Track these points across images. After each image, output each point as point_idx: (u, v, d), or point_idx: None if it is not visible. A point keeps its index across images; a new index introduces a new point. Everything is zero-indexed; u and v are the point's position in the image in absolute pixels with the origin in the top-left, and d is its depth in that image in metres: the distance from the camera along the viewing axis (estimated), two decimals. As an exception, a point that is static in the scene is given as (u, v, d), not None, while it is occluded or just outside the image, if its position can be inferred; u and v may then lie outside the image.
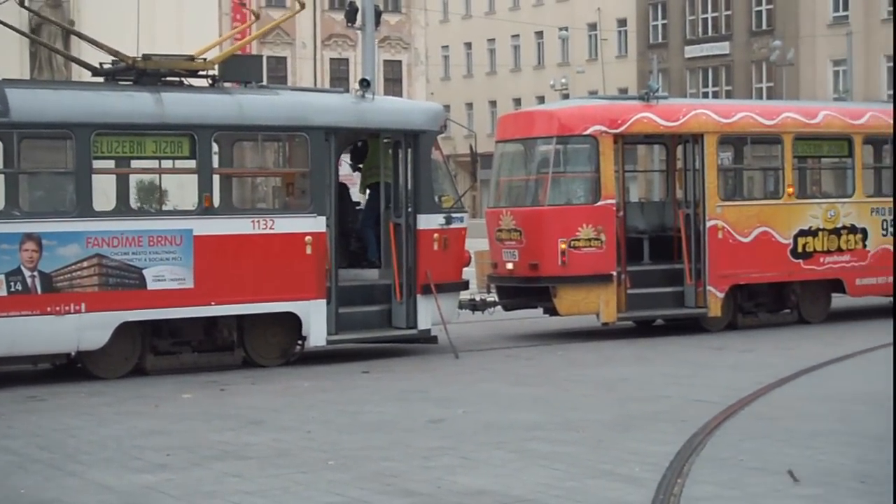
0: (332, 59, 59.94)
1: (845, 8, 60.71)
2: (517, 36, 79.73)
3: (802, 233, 20.67)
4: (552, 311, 19.78)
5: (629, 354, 18.17)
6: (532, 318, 21.31)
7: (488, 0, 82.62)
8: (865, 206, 21.34)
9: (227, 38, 25.23)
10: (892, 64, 59.03)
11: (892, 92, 55.68)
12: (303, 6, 20.00)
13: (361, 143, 19.17)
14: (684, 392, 14.30)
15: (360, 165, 19.27)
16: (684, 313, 20.21)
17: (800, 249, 20.66)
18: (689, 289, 19.96)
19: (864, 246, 21.24)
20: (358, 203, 19.68)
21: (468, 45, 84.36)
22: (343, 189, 18.50)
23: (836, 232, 20.97)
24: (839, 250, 21.01)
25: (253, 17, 28.06)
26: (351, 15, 26.88)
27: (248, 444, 11.41)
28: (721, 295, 19.97)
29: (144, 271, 15.51)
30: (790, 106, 22.70)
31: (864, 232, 21.24)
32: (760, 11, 65.00)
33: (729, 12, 66.37)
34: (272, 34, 53.22)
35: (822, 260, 20.87)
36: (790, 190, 20.74)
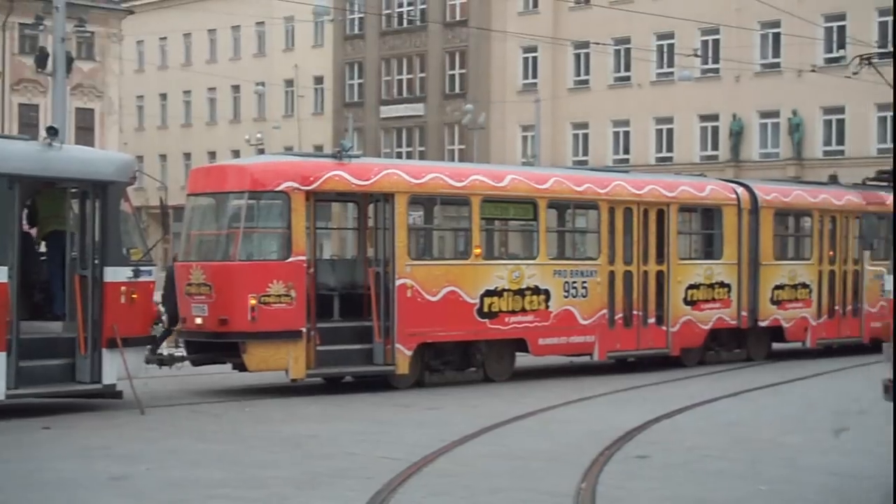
0: (21, 105, 58.16)
1: (534, 76, 62.90)
2: (213, 89, 79.15)
3: (489, 293, 21.15)
4: (241, 367, 19.61)
5: (317, 411, 18.18)
6: (221, 373, 21.08)
7: (184, 51, 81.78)
8: (549, 267, 22.03)
9: None
10: (575, 132, 61.70)
11: (656, 154, 58.28)
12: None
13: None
14: (371, 449, 14.39)
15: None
16: (373, 370, 20.36)
17: (486, 309, 21.14)
18: (378, 346, 20.12)
19: (547, 307, 21.90)
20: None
21: (163, 96, 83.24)
22: (28, 239, 17.92)
23: (521, 293, 21.56)
24: (523, 310, 21.59)
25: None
26: (41, 60, 26.25)
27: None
28: (409, 353, 20.22)
29: None
30: (479, 169, 23.34)
31: (548, 293, 21.91)
32: (454, 75, 66.62)
33: (423, 75, 67.75)
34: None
35: (507, 320, 21.41)
36: (477, 251, 21.23)
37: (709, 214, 25.08)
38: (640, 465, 13.58)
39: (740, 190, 25.41)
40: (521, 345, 21.93)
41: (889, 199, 27.45)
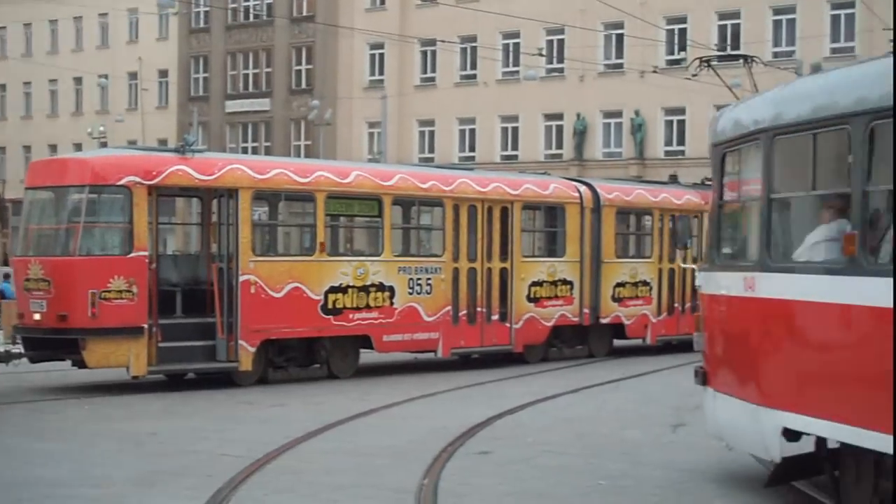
0: None
1: (381, 72, 62.91)
2: (55, 80, 77.53)
3: (333, 289, 21.13)
4: (81, 364, 19.28)
5: (159, 408, 17.94)
6: (60, 370, 20.69)
7: (25, 42, 79.95)
8: (394, 264, 22.08)
9: None
10: (421, 129, 61.88)
11: (501, 152, 59.09)
12: None
13: None
14: (213, 447, 14.25)
15: None
16: (216, 367, 20.19)
17: (330, 306, 21.11)
18: (221, 342, 19.96)
19: (392, 303, 21.95)
20: None
21: (2, 87, 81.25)
22: None
23: (366, 289, 21.57)
24: (368, 307, 21.62)
25: None
26: None
27: None
28: (252, 349, 20.10)
29: None
30: (324, 165, 23.25)
31: (392, 290, 21.96)
32: (300, 71, 66.25)
33: (269, 69, 67.24)
34: None
35: (351, 316, 21.41)
36: (322, 247, 21.15)
37: (552, 212, 25.37)
38: (482, 460, 13.67)
39: (583, 188, 25.76)
40: (365, 341, 21.95)
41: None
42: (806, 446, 10.77)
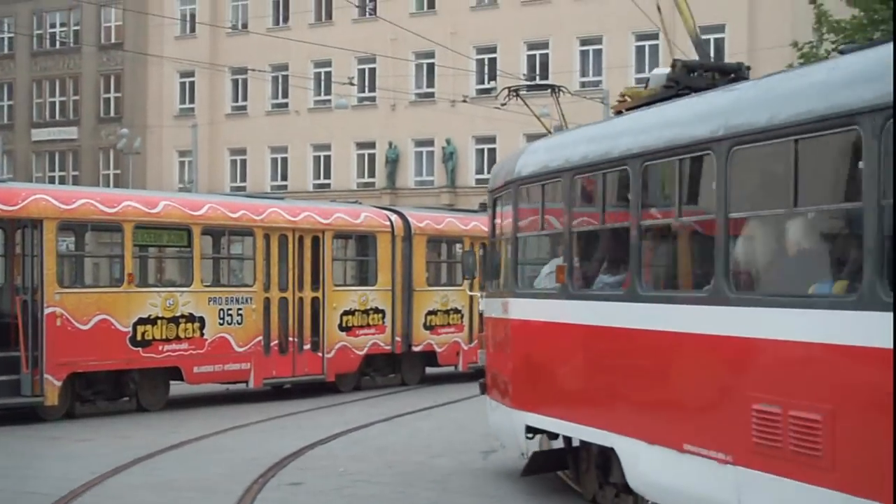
0: None
1: (191, 101, 62.30)
2: None
3: (142, 321, 20.82)
4: None
5: (-41, 446, 17.43)
6: None
7: None
8: (203, 295, 21.85)
9: None
10: (233, 157, 61.41)
11: (314, 180, 58.71)
12: None
13: None
14: (14, 485, 13.93)
15: None
16: (20, 402, 19.68)
17: (139, 337, 20.79)
18: (26, 377, 19.49)
19: (202, 334, 21.72)
20: None
21: None
22: None
23: (175, 320, 21.30)
24: (178, 338, 21.35)
25: None
26: None
27: None
28: (58, 383, 19.67)
29: None
30: (131, 195, 22.85)
31: (202, 320, 21.73)
32: (109, 98, 65.19)
33: (77, 97, 66.01)
34: None
35: (161, 348, 21.12)
36: (130, 278, 20.83)
37: (364, 241, 25.45)
38: (293, 492, 13.64)
39: (394, 217, 25.90)
40: (175, 373, 21.65)
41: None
42: (557, 443, 13.03)
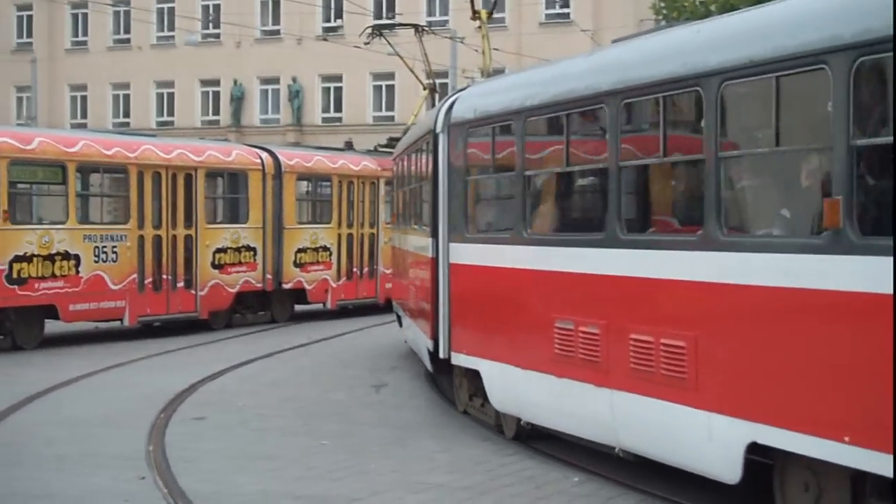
0: None
1: (29, 35, 60.76)
2: None
3: (18, 258, 20.54)
4: None
5: None
6: None
7: None
8: (79, 232, 21.61)
9: None
10: (73, 94, 60.17)
11: (157, 118, 58.03)
12: None
13: None
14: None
15: None
16: None
17: (15, 275, 20.52)
18: None
19: (78, 272, 21.52)
20: None
21: None
22: None
23: (51, 258, 21.06)
24: (53, 276, 21.12)
25: None
26: None
27: None
28: (-66, 323, 19.35)
29: None
30: (5, 131, 22.34)
31: (78, 258, 21.52)
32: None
33: None
34: None
35: (37, 286, 20.87)
36: (5, 215, 20.49)
37: (235, 179, 25.39)
38: (200, 426, 13.79)
39: (264, 155, 25.88)
40: (51, 311, 21.44)
41: (400, 164, 28.78)
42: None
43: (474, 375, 13.53)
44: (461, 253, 13.58)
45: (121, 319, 22.71)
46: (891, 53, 7.10)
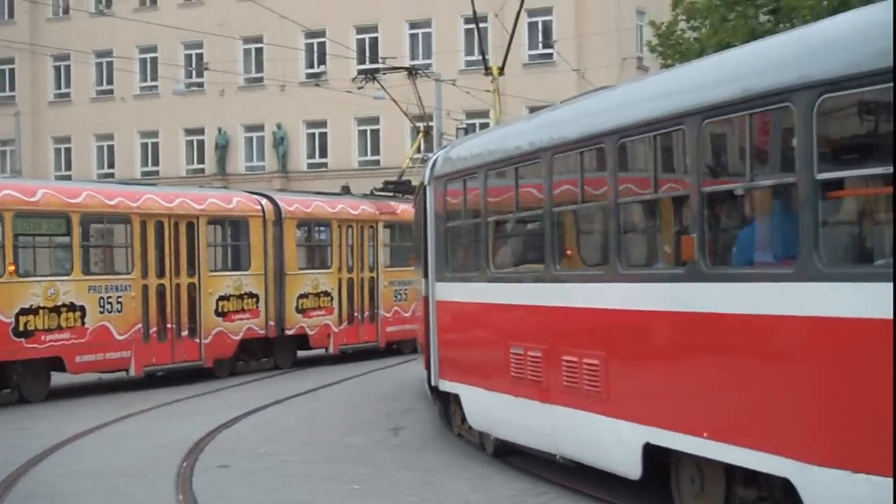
0: None
1: (11, 88, 60.69)
2: None
3: (24, 311, 20.45)
4: None
5: None
6: None
7: None
8: (84, 283, 21.54)
9: None
10: (57, 146, 60.13)
11: (141, 167, 57.77)
12: None
13: None
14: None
15: None
16: None
17: (21, 328, 20.43)
18: None
19: (83, 323, 21.43)
20: None
21: None
22: None
23: (57, 310, 20.98)
24: (59, 328, 21.03)
25: None
26: None
27: None
28: (-58, 377, 19.21)
29: None
30: (9, 183, 22.26)
31: (84, 309, 21.44)
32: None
33: None
34: None
35: (43, 338, 20.78)
36: (11, 268, 20.40)
37: (236, 226, 25.35)
38: (225, 473, 13.72)
39: (264, 201, 25.85)
40: (57, 363, 21.32)
41: (398, 207, 28.79)
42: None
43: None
44: (443, 291, 15.42)
45: (126, 370, 22.60)
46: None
